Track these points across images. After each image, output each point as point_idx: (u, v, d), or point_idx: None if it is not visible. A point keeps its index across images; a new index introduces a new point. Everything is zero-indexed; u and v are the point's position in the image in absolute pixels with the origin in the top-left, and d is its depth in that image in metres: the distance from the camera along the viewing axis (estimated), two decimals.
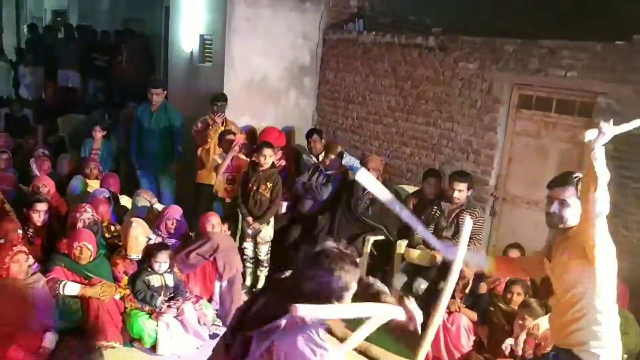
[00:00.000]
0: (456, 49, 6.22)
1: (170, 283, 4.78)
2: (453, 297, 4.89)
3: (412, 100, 6.70)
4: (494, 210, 5.99)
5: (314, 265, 2.19)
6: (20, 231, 4.77)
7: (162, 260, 4.70)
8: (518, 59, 5.64)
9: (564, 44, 5.29)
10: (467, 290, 4.92)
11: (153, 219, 5.58)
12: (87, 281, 4.58)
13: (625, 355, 3.96)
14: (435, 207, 5.50)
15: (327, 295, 2.14)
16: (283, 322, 2.15)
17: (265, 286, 2.38)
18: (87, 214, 5.03)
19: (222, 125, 6.58)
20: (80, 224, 4.93)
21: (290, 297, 2.09)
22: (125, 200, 6.31)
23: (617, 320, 3.12)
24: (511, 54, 5.69)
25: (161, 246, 4.82)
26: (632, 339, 4.25)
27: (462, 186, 5.36)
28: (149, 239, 5.04)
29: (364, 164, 5.98)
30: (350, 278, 2.19)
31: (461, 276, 4.85)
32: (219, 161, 6.17)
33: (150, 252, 4.75)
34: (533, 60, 5.51)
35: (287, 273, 2.36)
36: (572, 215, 3.04)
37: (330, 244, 2.24)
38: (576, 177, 3.05)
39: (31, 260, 4.46)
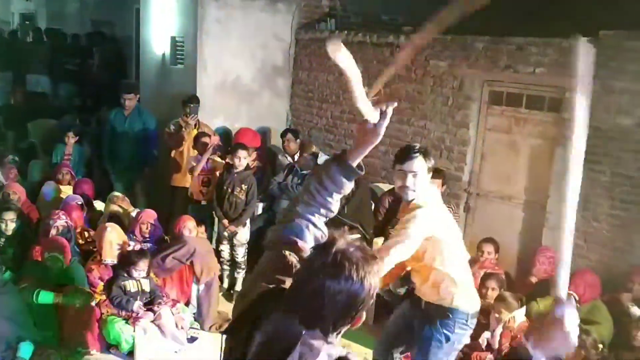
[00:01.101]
0: (427, 47, 6.26)
1: (147, 288, 4.75)
2: None
3: None
4: (467, 206, 6.06)
5: (334, 277, 1.53)
6: None
7: (142, 269, 4.69)
8: (488, 56, 5.72)
9: (532, 41, 5.37)
10: None
11: (128, 224, 5.54)
12: (61, 289, 4.52)
13: (601, 345, 4.04)
14: None
15: (356, 309, 1.58)
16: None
17: (253, 315, 1.64)
18: (60, 221, 4.96)
19: (196, 127, 6.55)
20: (53, 231, 4.87)
21: (303, 323, 1.56)
22: (99, 205, 6.24)
23: (470, 278, 3.42)
24: (481, 51, 5.77)
25: (141, 254, 4.78)
26: (604, 328, 4.35)
27: (436, 183, 5.41)
28: (128, 244, 5.00)
29: None
30: (376, 279, 1.61)
31: None
32: (194, 163, 6.14)
33: (129, 259, 4.72)
34: (502, 57, 5.59)
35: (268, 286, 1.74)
36: (422, 185, 3.16)
37: (340, 241, 1.57)
38: (420, 148, 3.17)
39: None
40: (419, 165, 3.10)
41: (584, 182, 5.10)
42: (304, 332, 1.55)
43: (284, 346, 1.54)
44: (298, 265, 1.74)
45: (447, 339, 3.33)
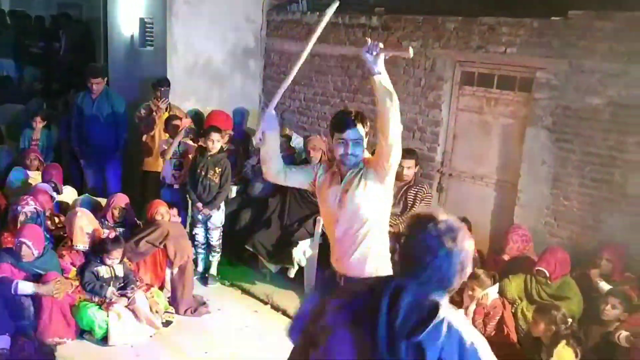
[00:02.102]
0: (399, 28, 6.26)
1: (120, 273, 4.71)
2: None
3: (358, 80, 6.73)
4: (440, 186, 6.10)
5: (454, 241, 1.84)
6: None
7: (116, 257, 4.65)
8: (459, 37, 5.73)
9: (503, 21, 5.40)
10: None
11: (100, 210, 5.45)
12: (38, 278, 4.43)
13: (570, 320, 4.13)
14: None
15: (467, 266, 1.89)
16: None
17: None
18: (29, 207, 4.86)
19: (167, 110, 6.46)
20: (22, 217, 4.76)
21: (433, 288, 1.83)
22: (69, 191, 6.12)
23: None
24: (453, 31, 5.78)
25: (116, 242, 4.72)
26: (575, 304, 4.44)
27: (410, 163, 5.46)
28: (101, 231, 4.92)
29: (305, 144, 6.02)
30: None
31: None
32: (165, 147, 6.06)
33: (104, 247, 4.65)
34: (474, 38, 5.61)
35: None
36: (362, 151, 3.18)
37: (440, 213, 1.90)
38: (356, 114, 3.18)
39: None
40: (360, 133, 3.12)
41: (554, 161, 5.21)
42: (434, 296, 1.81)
43: (426, 312, 1.78)
44: None
45: None
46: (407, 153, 5.55)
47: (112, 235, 4.85)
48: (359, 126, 3.13)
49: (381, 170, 3.13)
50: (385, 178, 3.16)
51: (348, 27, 6.76)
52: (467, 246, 1.87)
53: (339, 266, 3.26)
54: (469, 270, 1.90)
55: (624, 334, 4.02)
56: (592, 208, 4.99)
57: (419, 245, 1.87)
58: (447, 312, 1.80)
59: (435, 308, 1.78)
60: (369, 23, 6.53)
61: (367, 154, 3.27)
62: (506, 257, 5.06)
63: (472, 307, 4.54)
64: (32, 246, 4.42)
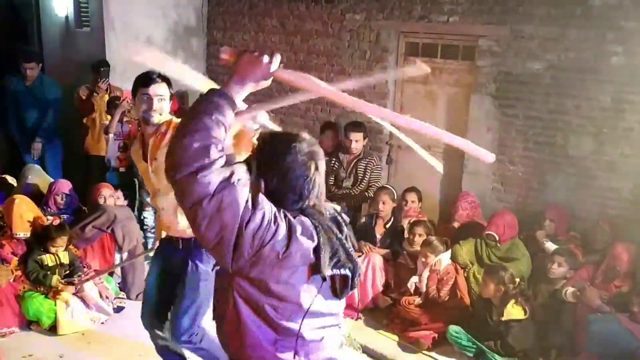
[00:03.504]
0: (342, 0, 6.21)
1: (65, 260, 4.55)
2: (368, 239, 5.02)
3: (303, 55, 6.66)
4: (390, 159, 6.14)
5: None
6: None
7: (60, 245, 4.49)
8: (402, 7, 5.74)
9: None
10: (388, 226, 5.08)
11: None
12: None
13: (518, 279, 4.24)
14: (334, 159, 5.57)
15: None
16: None
17: None
18: None
19: (107, 92, 6.24)
20: None
21: None
22: (10, 180, 5.86)
23: None
24: (395, 2, 5.77)
25: (60, 230, 4.54)
26: (523, 264, 4.56)
27: (358, 136, 5.46)
28: (43, 219, 4.73)
29: (253, 121, 5.90)
30: None
31: (381, 201, 4.99)
32: (106, 123, 5.86)
33: (48, 234, 4.48)
34: (416, 8, 5.63)
35: None
36: (167, 111, 3.14)
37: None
38: (163, 75, 3.07)
39: None
40: (165, 90, 3.09)
41: (499, 127, 5.30)
42: None
43: None
44: None
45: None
46: (355, 126, 5.56)
47: (56, 222, 4.68)
48: (165, 85, 3.07)
49: None
50: None
51: (291, 1, 6.67)
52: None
53: (172, 231, 3.16)
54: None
55: (570, 290, 4.16)
56: (537, 171, 5.12)
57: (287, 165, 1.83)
58: None
59: None
60: None
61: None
62: (456, 224, 5.15)
63: (426, 273, 4.61)
64: None
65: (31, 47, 7.27)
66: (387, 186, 5.26)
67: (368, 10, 6.01)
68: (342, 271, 1.80)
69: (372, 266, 4.82)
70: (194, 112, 1.75)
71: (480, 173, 5.39)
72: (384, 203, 5.05)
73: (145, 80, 3.06)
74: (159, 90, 3.06)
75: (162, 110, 3.10)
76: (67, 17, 7.24)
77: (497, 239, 4.66)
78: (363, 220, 5.21)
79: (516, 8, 5.00)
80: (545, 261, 4.45)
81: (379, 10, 5.92)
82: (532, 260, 4.61)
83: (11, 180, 5.84)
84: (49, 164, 6.41)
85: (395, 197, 5.18)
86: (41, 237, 4.54)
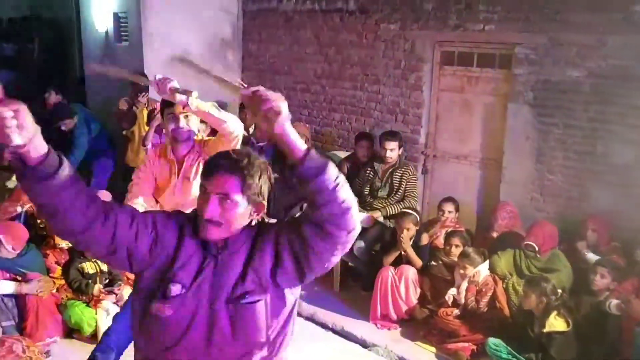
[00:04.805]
0: (377, 10, 6.23)
1: (105, 268, 4.63)
2: (397, 249, 4.98)
3: (338, 65, 6.69)
4: (425, 168, 6.09)
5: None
6: None
7: None
8: (437, 17, 5.72)
9: None
10: (410, 242, 5.00)
11: None
12: (21, 277, 4.35)
13: (560, 291, 4.15)
14: (369, 169, 5.56)
15: None
16: None
17: None
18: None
19: (146, 105, 6.37)
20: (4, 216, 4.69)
21: None
22: None
23: None
24: (430, 11, 5.76)
25: None
26: (564, 276, 4.46)
27: (393, 145, 5.44)
28: None
29: None
30: None
31: (405, 227, 4.94)
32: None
33: None
34: (452, 17, 5.60)
35: None
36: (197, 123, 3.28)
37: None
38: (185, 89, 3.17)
39: None
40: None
41: (537, 136, 5.22)
42: None
43: None
44: None
45: None
46: (390, 135, 5.54)
47: None
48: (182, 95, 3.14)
49: None
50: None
51: (325, 12, 6.71)
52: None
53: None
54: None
55: (614, 302, 4.05)
56: (577, 180, 5.02)
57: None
58: None
59: None
60: (346, 7, 6.49)
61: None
62: (495, 234, 5.07)
63: (464, 285, 4.55)
64: (4, 241, 4.30)
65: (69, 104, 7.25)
66: (410, 212, 5.15)
67: (403, 20, 6.01)
68: None
69: (404, 279, 4.79)
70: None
71: (519, 182, 5.31)
72: (407, 230, 4.96)
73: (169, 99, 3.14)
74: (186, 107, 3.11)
75: (191, 126, 3.15)
76: (107, 32, 7.45)
77: (537, 249, 4.57)
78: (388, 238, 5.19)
79: (554, 16, 4.93)
80: (588, 272, 4.34)
81: (413, 20, 5.91)
82: (574, 272, 4.51)
83: None
84: (95, 178, 6.57)
85: (418, 221, 5.10)
86: None
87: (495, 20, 5.30)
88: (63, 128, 6.38)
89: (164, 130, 6.01)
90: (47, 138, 1.57)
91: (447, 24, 5.65)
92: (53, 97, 6.83)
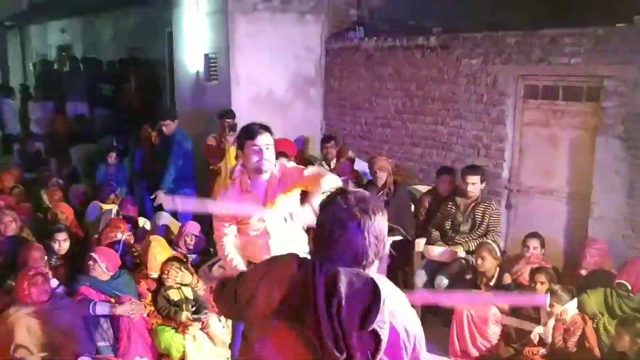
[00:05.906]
0: (458, 46, 6.27)
1: (190, 295, 4.82)
2: (479, 288, 4.90)
3: (419, 101, 6.75)
4: (509, 203, 5.98)
5: (367, 216, 1.81)
6: (46, 258, 4.82)
7: (173, 277, 4.79)
8: (521, 50, 5.68)
9: (565, 32, 5.32)
10: (492, 283, 4.91)
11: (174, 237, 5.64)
12: (114, 300, 4.61)
13: None
14: (450, 203, 5.53)
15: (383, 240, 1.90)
16: None
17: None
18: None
19: (234, 143, 6.63)
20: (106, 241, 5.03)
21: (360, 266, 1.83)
22: (142, 222, 6.34)
23: None
24: (513, 45, 5.73)
25: (171, 259, 4.89)
26: None
27: (475, 179, 5.39)
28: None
29: (370, 165, 6.03)
30: None
31: (485, 267, 4.86)
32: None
33: (162, 267, 4.85)
34: (536, 51, 5.55)
35: None
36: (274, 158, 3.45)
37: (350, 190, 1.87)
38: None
39: (54, 282, 4.49)
40: (270, 139, 3.40)
41: (628, 170, 5.03)
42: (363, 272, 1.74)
43: (368, 296, 1.68)
44: None
45: None
46: (472, 169, 5.50)
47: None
48: (268, 134, 3.39)
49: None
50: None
51: (406, 49, 6.82)
52: (379, 217, 1.79)
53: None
54: (385, 243, 1.83)
55: None
56: None
57: (329, 219, 1.78)
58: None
59: (375, 288, 1.68)
60: (427, 43, 6.57)
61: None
62: (583, 272, 4.89)
63: (551, 323, 4.41)
64: (100, 261, 4.59)
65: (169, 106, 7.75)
66: (488, 241, 5.06)
67: (485, 55, 6.01)
68: None
69: (483, 316, 4.70)
70: None
71: (609, 218, 5.11)
72: (482, 259, 4.88)
73: (251, 133, 3.37)
74: (265, 140, 3.35)
75: (271, 158, 3.36)
76: (197, 72, 7.88)
77: (630, 288, 4.38)
78: (469, 276, 5.10)
79: None
80: None
81: (496, 54, 5.90)
82: None
83: (142, 222, 6.30)
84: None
85: (497, 254, 4.99)
86: (161, 273, 4.85)
87: (581, 53, 5.21)
88: (164, 130, 6.64)
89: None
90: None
91: (530, 57, 5.60)
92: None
